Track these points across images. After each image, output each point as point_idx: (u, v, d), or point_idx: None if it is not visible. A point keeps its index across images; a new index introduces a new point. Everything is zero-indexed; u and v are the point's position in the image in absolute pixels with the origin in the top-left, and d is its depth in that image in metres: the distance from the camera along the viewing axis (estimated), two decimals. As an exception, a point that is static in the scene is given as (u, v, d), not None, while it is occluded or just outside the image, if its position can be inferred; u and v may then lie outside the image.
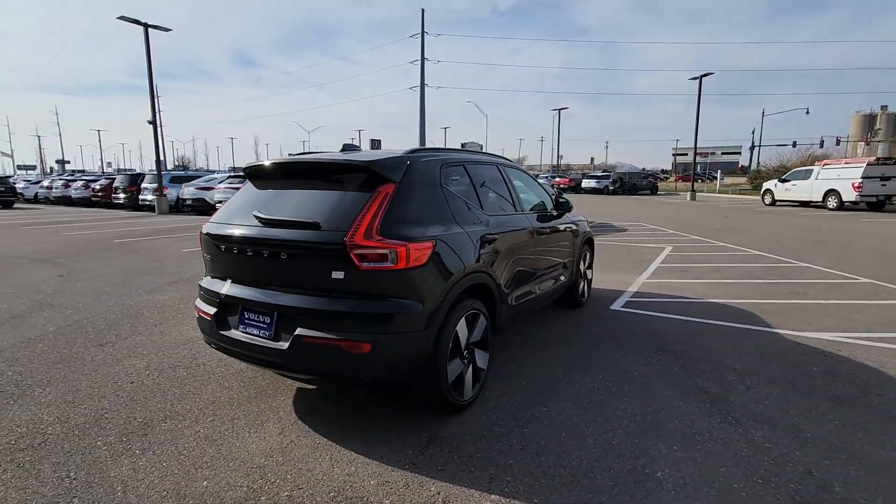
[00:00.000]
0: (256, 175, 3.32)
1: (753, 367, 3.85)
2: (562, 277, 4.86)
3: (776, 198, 23.29)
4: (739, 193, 34.70)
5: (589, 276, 5.79)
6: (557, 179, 41.55)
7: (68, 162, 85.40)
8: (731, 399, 3.31)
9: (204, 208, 18.43)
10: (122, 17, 18.38)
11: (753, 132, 70.14)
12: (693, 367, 3.84)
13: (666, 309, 5.47)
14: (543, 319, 5.11)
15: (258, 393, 3.39)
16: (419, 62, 48.31)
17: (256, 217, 2.90)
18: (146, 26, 18.96)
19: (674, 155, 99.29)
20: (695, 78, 27.99)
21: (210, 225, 3.19)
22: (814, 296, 6.03)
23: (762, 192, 24.78)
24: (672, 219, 16.57)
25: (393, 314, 2.64)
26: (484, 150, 5.56)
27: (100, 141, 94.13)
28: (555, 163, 58.62)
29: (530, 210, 4.39)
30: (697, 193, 30.33)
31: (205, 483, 2.40)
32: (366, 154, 3.30)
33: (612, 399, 3.32)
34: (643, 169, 72.11)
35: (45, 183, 28.81)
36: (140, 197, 21.04)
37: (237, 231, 2.95)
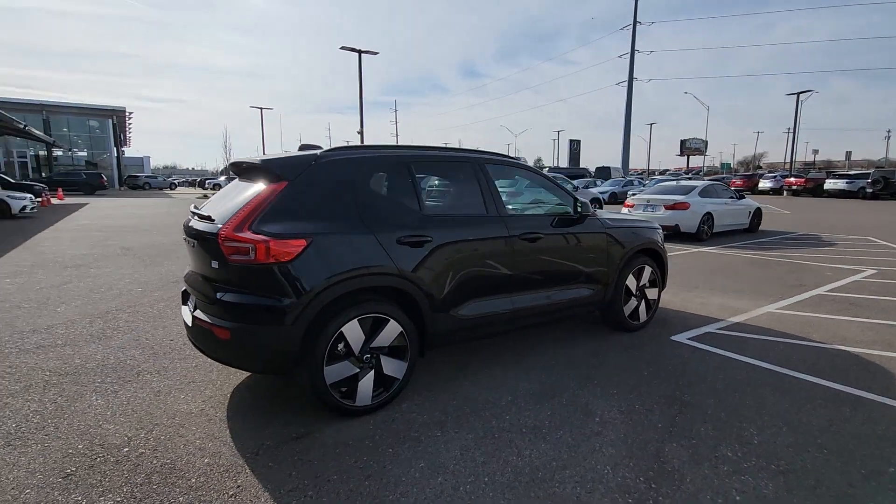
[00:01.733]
0: (233, 173, 3.76)
1: (787, 446, 2.68)
2: (583, 291, 4.14)
3: None
4: None
5: (650, 296, 4.75)
6: (735, 181, 34.15)
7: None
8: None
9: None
10: (343, 48, 22.14)
11: None
12: (684, 426, 2.88)
13: (750, 349, 4.12)
14: (558, 335, 4.43)
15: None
16: (628, 56, 45.19)
17: (191, 210, 3.33)
18: (359, 52, 22.43)
19: None
20: None
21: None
22: None
23: None
24: (931, 234, 11.96)
25: (252, 306, 2.74)
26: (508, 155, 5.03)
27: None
28: (804, 157, 47.69)
29: (526, 213, 3.87)
30: None
31: (110, 427, 2.91)
32: (284, 155, 3.36)
33: (500, 445, 2.75)
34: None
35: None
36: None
37: (188, 222, 3.43)
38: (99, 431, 2.84)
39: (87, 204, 22.62)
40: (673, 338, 4.46)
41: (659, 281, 4.81)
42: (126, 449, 2.67)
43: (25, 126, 19.99)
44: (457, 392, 3.37)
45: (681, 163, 64.94)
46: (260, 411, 3.10)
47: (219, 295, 2.82)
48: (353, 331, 2.92)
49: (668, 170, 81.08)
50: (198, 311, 2.98)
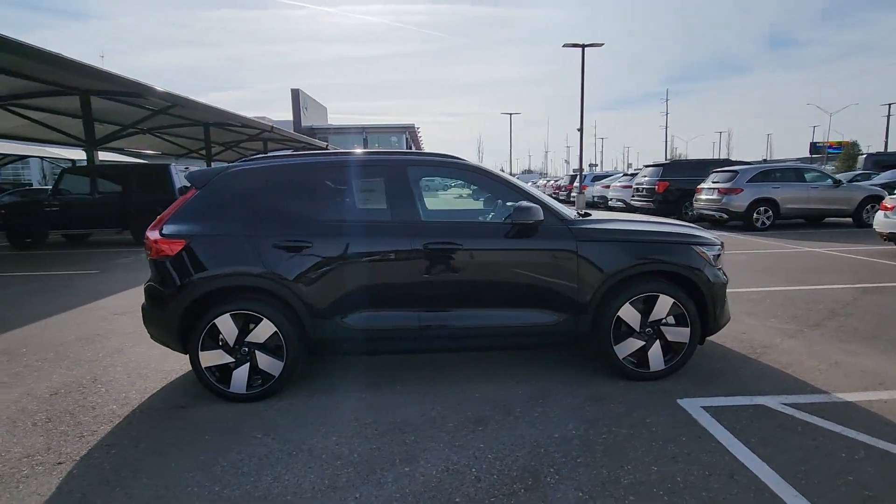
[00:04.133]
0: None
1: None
2: (539, 317, 3.35)
3: None
4: None
5: (673, 338, 3.39)
6: None
7: (595, 165, 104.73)
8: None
9: (608, 205, 19.55)
10: (565, 45, 21.76)
11: None
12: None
13: (830, 457, 2.55)
14: (516, 365, 3.61)
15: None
16: None
17: None
18: (583, 47, 21.62)
19: None
20: None
21: None
22: None
23: None
24: None
25: (149, 289, 3.39)
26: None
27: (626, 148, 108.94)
28: None
29: (452, 220, 3.40)
30: None
31: (73, 371, 4.03)
32: (208, 168, 3.77)
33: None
34: None
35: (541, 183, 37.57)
36: (570, 195, 24.45)
37: None
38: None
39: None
40: (682, 402, 3.12)
41: (691, 319, 3.39)
42: (67, 389, 3.71)
43: (327, 146, 26.74)
44: (325, 401, 3.30)
45: None
46: (174, 384, 3.72)
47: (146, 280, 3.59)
48: (225, 323, 3.25)
49: None
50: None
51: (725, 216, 12.35)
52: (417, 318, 3.35)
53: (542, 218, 3.28)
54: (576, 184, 24.11)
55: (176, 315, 3.28)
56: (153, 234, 3.34)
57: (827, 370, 3.58)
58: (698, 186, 13.41)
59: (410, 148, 55.37)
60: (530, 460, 2.54)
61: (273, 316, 3.25)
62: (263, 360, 3.30)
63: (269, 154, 3.70)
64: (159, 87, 11.82)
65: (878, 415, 2.90)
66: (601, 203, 20.43)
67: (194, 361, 3.28)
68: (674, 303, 3.37)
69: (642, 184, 15.76)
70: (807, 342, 4.17)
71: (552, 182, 31.67)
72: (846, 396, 3.15)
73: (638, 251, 3.39)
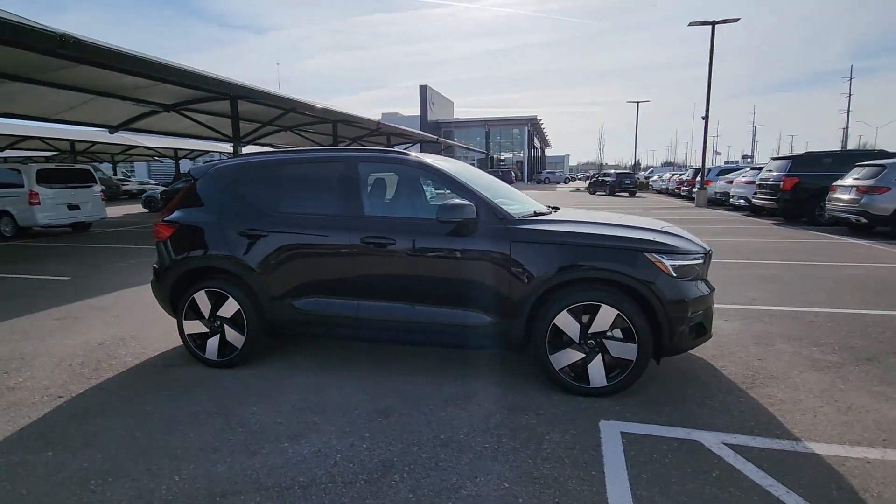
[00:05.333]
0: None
1: None
2: (474, 318, 3.28)
3: None
4: None
5: (618, 353, 3.05)
6: None
7: (749, 157, 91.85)
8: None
9: (731, 203, 17.27)
10: (691, 24, 19.50)
11: None
12: None
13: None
14: (435, 364, 3.52)
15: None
16: None
17: None
18: (713, 24, 19.17)
19: None
20: None
21: None
22: None
23: None
24: None
25: (153, 267, 4.03)
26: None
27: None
28: None
29: (394, 216, 3.49)
30: None
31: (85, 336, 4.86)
32: (203, 164, 4.28)
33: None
34: None
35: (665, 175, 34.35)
36: (691, 189, 21.98)
37: None
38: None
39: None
40: (604, 424, 2.82)
41: (639, 334, 3.01)
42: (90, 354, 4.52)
43: (442, 145, 27.59)
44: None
45: None
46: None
47: (160, 259, 4.28)
48: (202, 298, 3.77)
49: None
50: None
51: (864, 220, 10.15)
52: (356, 308, 3.51)
53: (471, 216, 3.18)
54: (698, 179, 21.67)
55: (168, 288, 3.89)
56: (159, 220, 3.98)
57: (828, 414, 2.92)
58: (833, 184, 11.22)
59: (532, 141, 54.53)
60: (395, 456, 2.57)
61: (236, 295, 3.67)
62: (230, 334, 3.75)
63: (256, 152, 4.10)
64: (278, 92, 13.49)
65: (840, 474, 2.33)
66: (724, 200, 18.11)
67: (180, 328, 3.86)
68: (618, 315, 3.03)
69: (767, 179, 13.60)
70: (834, 378, 3.41)
71: (675, 176, 28.77)
72: (819, 448, 2.56)
73: (574, 256, 3.11)
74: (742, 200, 15.74)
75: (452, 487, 2.30)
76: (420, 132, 29.78)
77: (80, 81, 10.55)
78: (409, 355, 3.98)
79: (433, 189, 4.43)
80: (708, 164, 21.65)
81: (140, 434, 2.84)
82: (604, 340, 3.10)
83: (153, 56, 7.79)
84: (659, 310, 3.00)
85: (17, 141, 22.72)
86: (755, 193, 14.30)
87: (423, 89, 50.55)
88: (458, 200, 3.23)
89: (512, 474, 2.39)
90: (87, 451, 2.67)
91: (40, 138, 22.20)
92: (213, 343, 3.79)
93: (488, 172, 5.06)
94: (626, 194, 29.31)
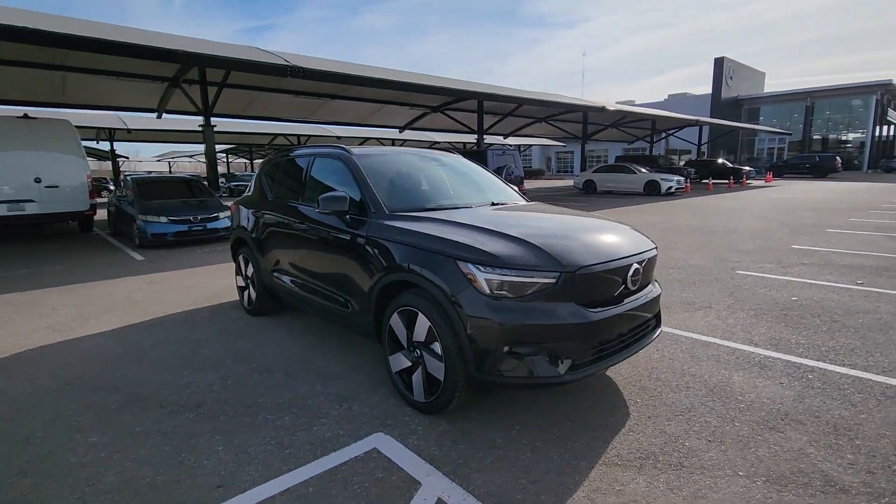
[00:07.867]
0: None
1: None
2: (349, 307, 3.44)
3: None
4: None
5: (431, 369, 2.72)
6: None
7: None
8: None
9: None
10: None
11: None
12: None
13: None
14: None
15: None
16: None
17: None
18: None
19: None
20: None
21: None
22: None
23: None
24: None
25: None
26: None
27: None
28: None
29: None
30: None
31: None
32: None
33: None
34: None
35: None
36: None
37: None
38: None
39: (776, 187, 23.41)
40: (378, 435, 2.62)
41: (445, 353, 2.60)
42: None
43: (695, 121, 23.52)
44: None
45: None
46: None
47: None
48: (241, 260, 5.04)
49: None
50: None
51: None
52: (292, 281, 4.12)
53: (342, 208, 3.30)
54: None
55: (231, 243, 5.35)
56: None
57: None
58: None
59: (879, 112, 39.72)
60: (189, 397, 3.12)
61: (251, 259, 4.78)
62: (252, 291, 4.90)
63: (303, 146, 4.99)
64: (509, 91, 16.35)
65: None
66: None
67: (237, 281, 5.25)
68: (429, 326, 2.71)
69: None
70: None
71: None
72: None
73: (402, 257, 2.90)
74: None
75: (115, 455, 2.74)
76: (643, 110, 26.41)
77: (370, 94, 16.58)
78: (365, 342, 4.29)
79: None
80: None
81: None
82: (423, 352, 2.81)
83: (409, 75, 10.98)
84: (459, 328, 2.55)
85: (336, 140, 31.43)
86: None
87: (719, 62, 43.24)
88: (336, 193, 3.38)
89: (194, 461, 2.64)
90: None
91: (336, 136, 30.15)
92: (248, 295, 5.03)
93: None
94: None
